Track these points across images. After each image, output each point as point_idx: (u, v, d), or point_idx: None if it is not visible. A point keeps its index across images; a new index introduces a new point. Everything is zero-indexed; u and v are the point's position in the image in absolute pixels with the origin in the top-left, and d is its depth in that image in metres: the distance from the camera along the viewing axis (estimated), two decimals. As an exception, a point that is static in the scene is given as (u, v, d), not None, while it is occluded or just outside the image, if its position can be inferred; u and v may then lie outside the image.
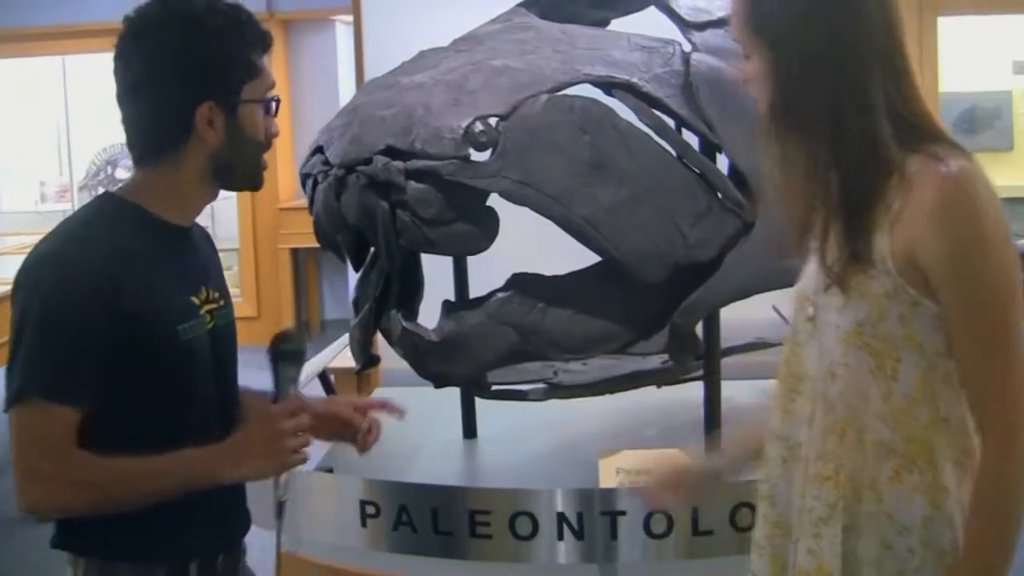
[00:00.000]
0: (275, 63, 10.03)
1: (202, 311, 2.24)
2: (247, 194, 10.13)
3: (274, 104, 2.25)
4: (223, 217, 10.82)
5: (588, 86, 2.34)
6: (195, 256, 2.31)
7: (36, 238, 6.20)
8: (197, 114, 2.13)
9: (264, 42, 2.26)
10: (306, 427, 2.12)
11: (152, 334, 2.11)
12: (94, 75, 10.82)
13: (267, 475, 2.16)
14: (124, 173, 10.64)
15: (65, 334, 2.04)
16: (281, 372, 2.18)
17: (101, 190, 10.25)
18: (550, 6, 2.72)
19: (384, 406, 2.38)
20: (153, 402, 2.12)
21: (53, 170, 11.13)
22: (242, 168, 2.25)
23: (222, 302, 2.32)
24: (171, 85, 2.16)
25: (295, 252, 10.07)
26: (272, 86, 2.26)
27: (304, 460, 2.13)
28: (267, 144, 2.27)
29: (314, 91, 10.50)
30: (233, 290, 10.51)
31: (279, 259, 10.11)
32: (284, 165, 10.29)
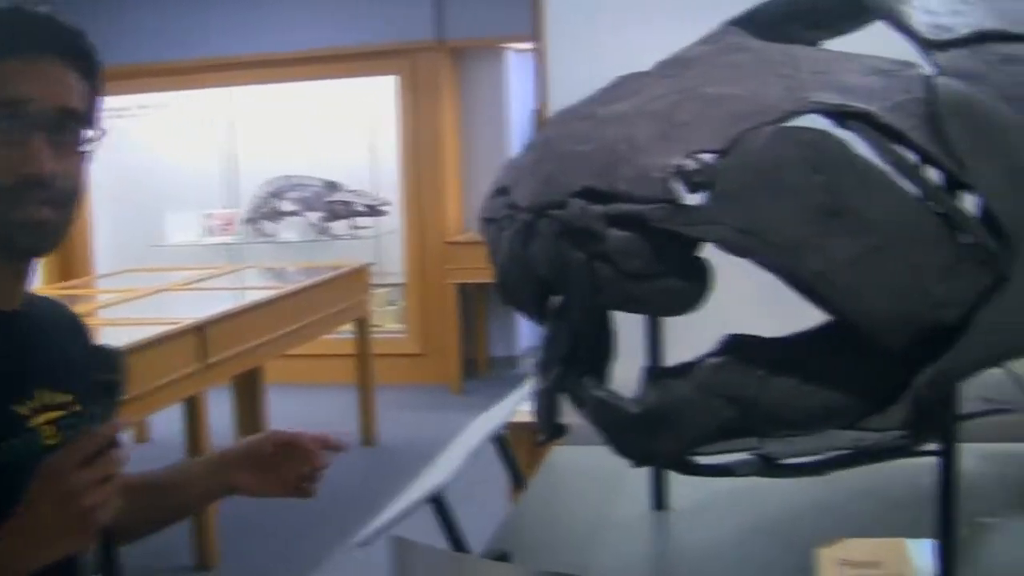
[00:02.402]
0: (445, 94, 9.95)
1: (34, 422, 1.75)
2: (414, 228, 10.06)
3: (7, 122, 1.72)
4: (389, 251, 10.77)
5: (818, 117, 2.00)
6: (24, 349, 1.82)
7: (200, 272, 6.14)
8: None
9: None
10: (111, 472, 1.60)
11: None
12: (261, 106, 10.83)
13: (77, 551, 1.67)
14: (290, 205, 10.66)
15: None
16: (92, 410, 1.74)
17: (266, 223, 10.29)
18: (760, 25, 2.39)
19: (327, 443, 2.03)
20: None
21: (219, 203, 11.17)
22: None
23: (79, 407, 1.82)
24: None
25: (462, 287, 9.95)
26: (9, 104, 1.73)
27: (108, 517, 1.62)
28: (16, 187, 1.74)
29: (484, 122, 10.43)
30: (398, 326, 10.50)
31: (446, 294, 9.99)
32: (451, 198, 10.18)
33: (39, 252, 1.82)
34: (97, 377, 1.74)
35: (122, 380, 1.77)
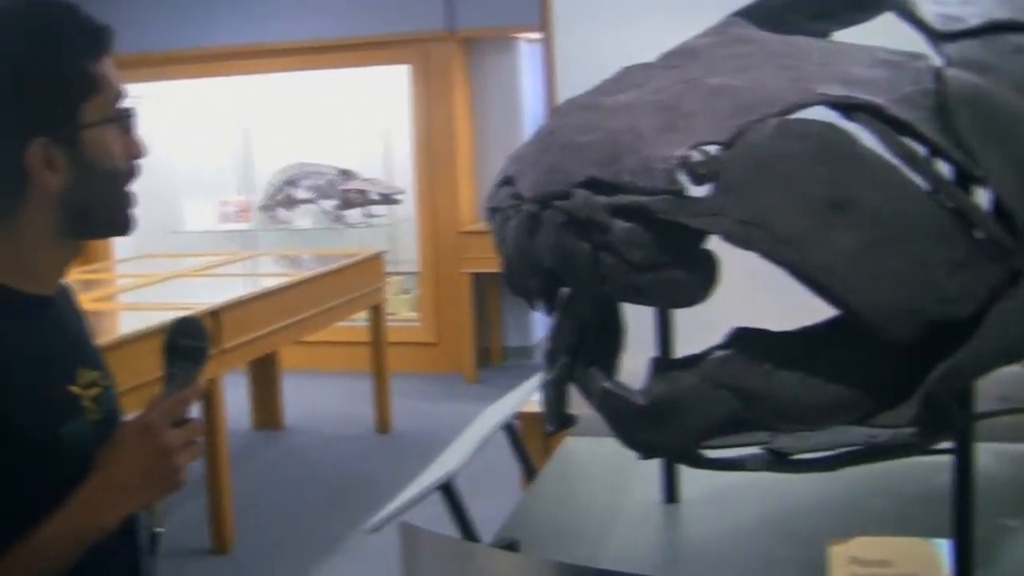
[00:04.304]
0: (457, 83, 9.93)
1: (85, 402, 1.85)
2: (428, 217, 10.03)
3: (131, 118, 1.87)
4: (403, 239, 10.74)
5: (824, 108, 1.97)
6: (64, 330, 1.94)
7: (215, 259, 6.15)
8: (28, 157, 1.71)
9: (99, 42, 1.83)
10: (199, 434, 1.76)
11: (25, 450, 1.69)
12: (275, 94, 10.80)
13: (154, 504, 1.82)
14: (304, 193, 10.65)
15: None
16: (174, 373, 1.84)
17: (281, 211, 10.26)
18: (765, 17, 2.37)
19: None
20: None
21: (234, 189, 11.16)
22: (101, 210, 1.86)
23: (104, 382, 1.94)
24: None
25: (476, 277, 9.93)
26: (121, 95, 1.86)
27: (186, 478, 1.77)
28: (130, 171, 1.90)
29: (497, 112, 10.40)
30: (411, 315, 10.47)
31: (460, 284, 9.98)
32: (465, 188, 10.16)
33: (131, 231, 1.92)
34: (182, 343, 1.86)
35: (207, 346, 1.90)
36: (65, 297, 2.01)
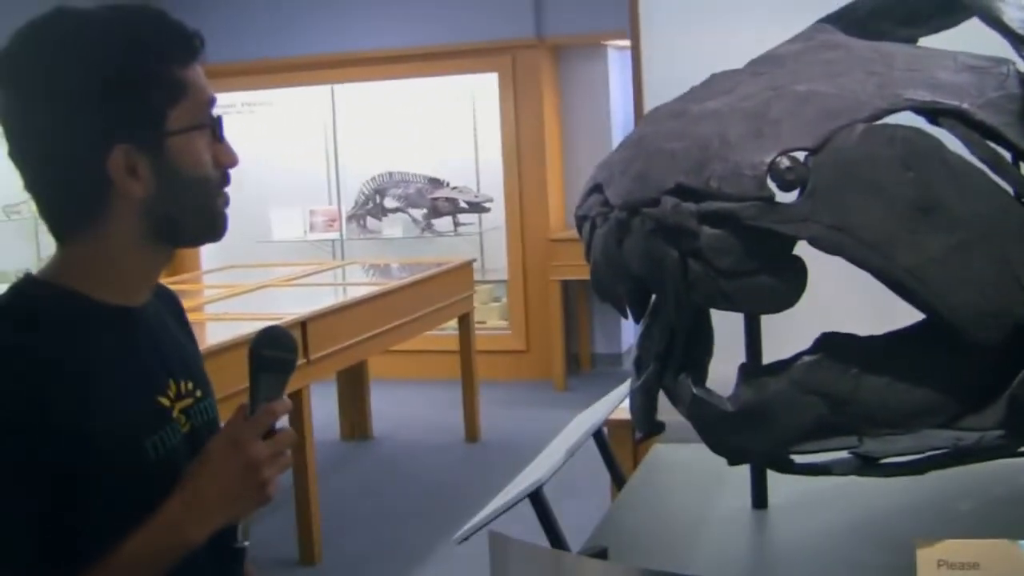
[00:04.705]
0: (546, 91, 9.94)
1: (174, 414, 1.86)
2: (517, 225, 10.06)
3: (219, 125, 1.85)
4: (492, 248, 10.76)
5: (910, 114, 1.99)
6: (155, 341, 1.90)
7: (303, 268, 6.19)
8: (110, 164, 1.67)
9: (188, 48, 1.80)
10: (288, 445, 1.74)
11: (108, 462, 1.67)
12: (363, 103, 10.86)
13: (243, 518, 1.81)
14: (392, 202, 10.70)
15: None
16: (260, 384, 1.81)
17: (370, 220, 10.31)
18: (851, 23, 2.38)
19: None
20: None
21: (322, 199, 11.21)
22: (189, 218, 1.83)
23: (199, 393, 1.95)
24: (62, 136, 1.68)
25: (565, 284, 9.94)
26: (210, 102, 1.84)
27: (275, 491, 1.75)
28: (221, 178, 1.87)
29: (586, 119, 10.39)
30: (501, 323, 10.50)
31: (549, 291, 9.98)
32: (554, 195, 10.17)
33: (221, 237, 1.90)
34: (267, 354, 1.83)
35: (293, 356, 1.87)
36: (166, 306, 2.01)
